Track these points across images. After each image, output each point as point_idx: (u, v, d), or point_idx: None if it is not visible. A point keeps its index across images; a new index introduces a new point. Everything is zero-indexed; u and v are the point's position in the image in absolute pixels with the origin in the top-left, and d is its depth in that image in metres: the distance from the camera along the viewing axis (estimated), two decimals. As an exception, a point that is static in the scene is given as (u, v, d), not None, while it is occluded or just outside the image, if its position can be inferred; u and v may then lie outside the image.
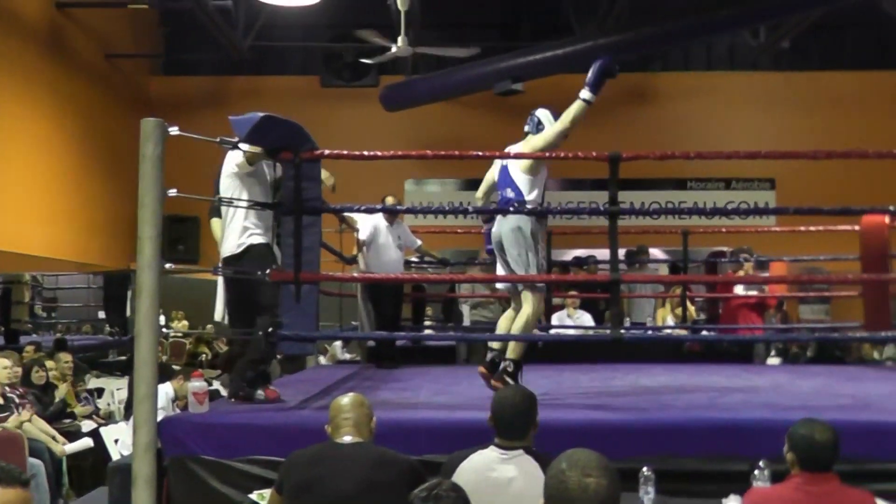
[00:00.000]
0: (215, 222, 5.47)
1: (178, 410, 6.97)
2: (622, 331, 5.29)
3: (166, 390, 7.36)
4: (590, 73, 4.92)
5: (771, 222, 12.42)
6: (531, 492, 3.01)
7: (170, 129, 4.09)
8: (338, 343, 10.78)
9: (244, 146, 4.82)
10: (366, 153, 5.34)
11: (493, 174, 5.44)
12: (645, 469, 3.46)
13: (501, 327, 5.36)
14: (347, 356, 10.56)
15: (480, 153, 5.30)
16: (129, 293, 12.86)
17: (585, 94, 4.91)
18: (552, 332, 8.43)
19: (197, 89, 13.79)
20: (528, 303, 5.07)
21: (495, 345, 5.27)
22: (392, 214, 7.69)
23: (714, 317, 10.27)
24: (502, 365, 5.11)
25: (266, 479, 3.91)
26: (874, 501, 3.18)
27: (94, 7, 11.58)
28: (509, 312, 5.36)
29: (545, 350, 7.37)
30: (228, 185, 4.97)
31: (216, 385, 8.40)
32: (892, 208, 5.46)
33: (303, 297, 4.71)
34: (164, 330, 12.06)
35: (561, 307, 9.01)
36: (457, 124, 13.41)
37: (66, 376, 8.04)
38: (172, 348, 12.89)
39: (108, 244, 11.82)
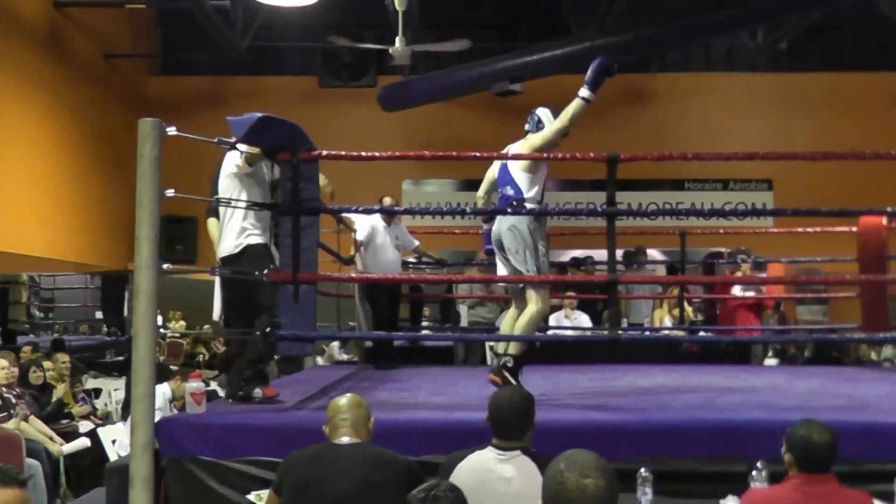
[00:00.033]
0: (212, 222, 5.47)
1: (175, 411, 6.96)
2: (620, 331, 5.29)
3: (164, 391, 7.35)
4: (589, 72, 4.92)
5: (768, 223, 12.43)
6: (529, 492, 3.01)
7: (168, 130, 4.09)
8: (335, 343, 10.78)
9: (242, 146, 4.82)
10: (364, 154, 5.34)
11: (493, 172, 5.45)
12: (643, 470, 3.46)
13: (505, 327, 5.37)
14: (345, 357, 10.56)
15: (478, 154, 5.30)
16: (127, 293, 12.86)
17: (584, 92, 4.91)
18: (550, 332, 8.43)
19: (195, 89, 13.79)
20: (533, 301, 5.07)
21: (501, 349, 5.25)
22: (390, 215, 7.69)
23: (711, 318, 10.27)
24: (502, 360, 5.12)
25: (264, 480, 3.90)
26: (872, 502, 3.18)
27: (92, 7, 11.58)
28: (512, 312, 5.36)
29: (543, 351, 7.36)
30: (227, 185, 4.97)
31: (213, 385, 8.40)
32: (889, 209, 5.45)
33: (301, 297, 4.70)
34: (161, 330, 12.06)
35: (559, 308, 9.01)
36: (455, 125, 13.41)
37: (64, 377, 8.03)
38: (170, 349, 12.88)
39: (106, 244, 11.81)
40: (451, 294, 10.02)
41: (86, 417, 7.82)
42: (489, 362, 9.06)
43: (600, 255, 7.51)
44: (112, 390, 9.47)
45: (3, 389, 6.76)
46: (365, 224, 7.60)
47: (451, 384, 6.24)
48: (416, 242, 8.20)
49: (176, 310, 14.50)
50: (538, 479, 2.83)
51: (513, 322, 5.26)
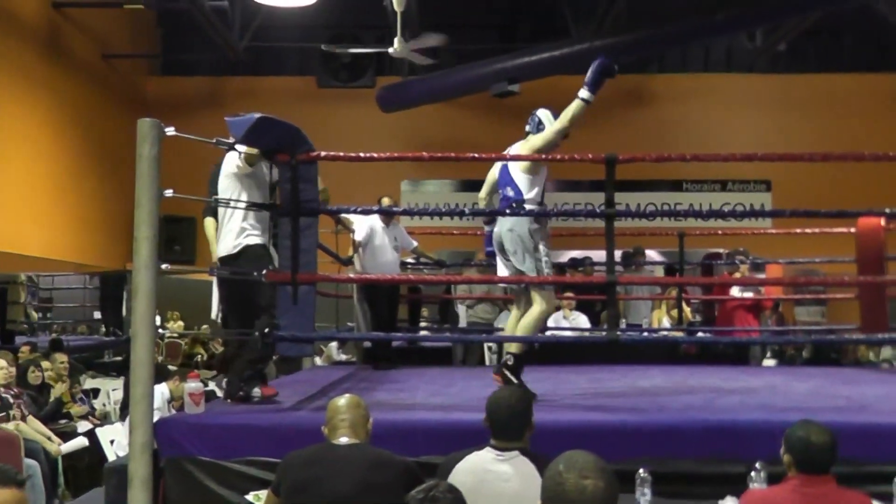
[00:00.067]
0: (209, 221, 5.47)
1: (174, 411, 6.96)
2: (618, 332, 5.29)
3: (162, 391, 7.35)
4: (589, 73, 4.92)
5: (767, 224, 12.44)
6: (527, 493, 3.01)
7: (166, 130, 4.09)
8: (334, 344, 10.78)
9: (242, 148, 4.82)
10: (362, 155, 5.33)
11: (494, 174, 5.45)
12: (641, 471, 3.46)
13: (508, 328, 5.38)
14: (343, 357, 10.56)
15: (477, 155, 5.30)
16: (126, 293, 12.86)
17: (584, 93, 4.91)
18: (548, 333, 8.42)
19: (193, 90, 13.79)
20: (538, 302, 5.07)
21: (511, 349, 5.24)
22: (388, 215, 7.69)
23: (710, 318, 10.28)
24: (504, 358, 5.11)
25: (263, 480, 3.90)
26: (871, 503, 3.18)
27: (90, 7, 11.57)
28: (515, 314, 5.36)
29: (541, 351, 7.36)
30: (227, 185, 4.97)
31: (212, 386, 8.40)
32: (888, 210, 5.45)
33: (300, 298, 4.70)
34: (160, 331, 12.06)
35: (557, 309, 9.01)
36: (453, 125, 13.42)
37: (62, 377, 8.02)
38: (168, 349, 12.87)
39: (105, 244, 11.80)
40: (449, 295, 10.02)
41: (84, 418, 7.82)
42: (488, 363, 9.09)
43: (599, 255, 7.51)
44: (110, 390, 9.46)
45: (2, 390, 6.75)
46: (363, 225, 7.59)
47: (449, 385, 6.23)
48: (415, 243, 8.20)
49: (174, 310, 14.51)
50: (537, 479, 2.83)
51: (516, 323, 5.26)
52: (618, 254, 6.15)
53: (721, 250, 11.29)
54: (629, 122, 13.22)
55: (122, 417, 7.55)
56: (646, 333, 9.34)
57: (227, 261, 4.99)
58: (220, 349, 11.93)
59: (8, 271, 13.15)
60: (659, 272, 11.43)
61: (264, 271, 4.75)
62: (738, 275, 9.18)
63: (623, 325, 9.13)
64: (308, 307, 4.81)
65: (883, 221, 7.24)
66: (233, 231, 4.96)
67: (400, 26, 10.18)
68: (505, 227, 5.13)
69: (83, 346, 12.79)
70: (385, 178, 11.79)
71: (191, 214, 11.46)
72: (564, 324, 8.88)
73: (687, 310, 9.52)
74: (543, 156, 5.10)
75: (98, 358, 12.62)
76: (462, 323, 9.78)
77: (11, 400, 6.76)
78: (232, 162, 4.95)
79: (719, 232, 10.68)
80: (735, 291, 9.26)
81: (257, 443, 4.15)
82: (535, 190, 5.14)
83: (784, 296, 10.72)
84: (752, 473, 3.54)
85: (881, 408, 4.98)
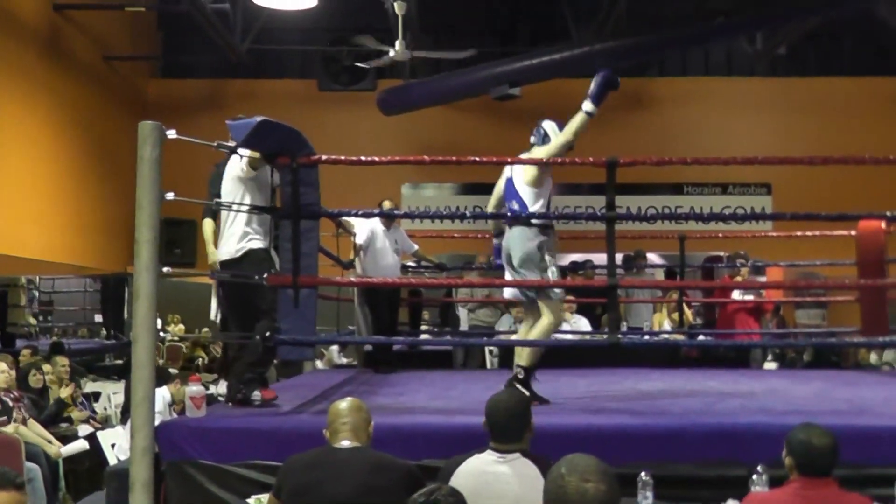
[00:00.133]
0: (208, 223, 5.48)
1: (175, 415, 6.95)
2: (619, 335, 5.29)
3: (163, 394, 7.33)
4: (592, 85, 4.94)
5: (768, 227, 12.43)
6: (529, 494, 3.01)
7: (168, 133, 4.09)
8: (335, 347, 10.77)
9: (245, 152, 4.82)
10: (363, 158, 5.33)
11: (500, 188, 5.43)
12: (643, 474, 3.46)
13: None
14: (344, 360, 10.55)
15: (477, 158, 5.30)
16: (126, 296, 12.86)
17: (588, 106, 4.92)
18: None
19: (194, 92, 13.80)
20: (546, 314, 5.07)
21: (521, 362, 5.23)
22: (389, 219, 7.70)
23: (711, 321, 10.27)
24: (514, 371, 5.11)
25: (264, 484, 3.90)
26: (872, 507, 3.18)
27: (91, 9, 11.58)
28: (525, 328, 5.36)
29: (542, 355, 7.34)
30: (231, 188, 4.97)
31: (213, 389, 8.39)
32: (888, 213, 5.46)
33: (301, 301, 4.70)
34: (161, 334, 12.06)
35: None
36: (454, 129, 13.42)
37: (63, 380, 8.01)
38: (169, 352, 12.88)
39: (105, 247, 11.81)
40: (450, 298, 10.02)
41: (85, 421, 7.81)
42: (489, 366, 9.09)
43: (600, 258, 7.50)
44: (111, 394, 9.46)
45: (2, 393, 6.75)
46: (364, 228, 7.60)
47: (450, 388, 6.24)
48: (416, 246, 8.20)
49: (175, 313, 14.52)
50: (538, 480, 2.84)
51: (525, 336, 5.27)
52: (619, 257, 6.16)
53: (722, 253, 11.27)
54: (630, 125, 13.21)
55: (123, 421, 7.54)
56: (647, 337, 9.34)
57: (229, 264, 4.99)
58: (219, 353, 11.94)
59: (8, 274, 13.15)
60: (660, 275, 11.41)
61: (265, 275, 4.75)
62: (738, 278, 9.18)
63: (624, 329, 9.13)
64: (309, 310, 4.81)
65: (883, 224, 7.24)
66: (236, 235, 4.96)
67: (401, 30, 10.20)
68: (512, 241, 5.13)
69: (84, 350, 12.81)
70: (386, 182, 11.80)
71: (191, 217, 11.42)
72: (565, 327, 8.87)
73: (688, 312, 9.52)
74: (545, 159, 5.10)
75: (99, 361, 12.64)
76: (463, 326, 9.78)
77: (11, 403, 6.75)
78: (236, 165, 4.95)
79: (720, 235, 10.64)
80: (736, 294, 9.26)
81: (258, 446, 4.14)
82: (540, 203, 5.14)
83: (785, 298, 10.71)
84: (754, 476, 3.54)
85: (881, 411, 4.97)
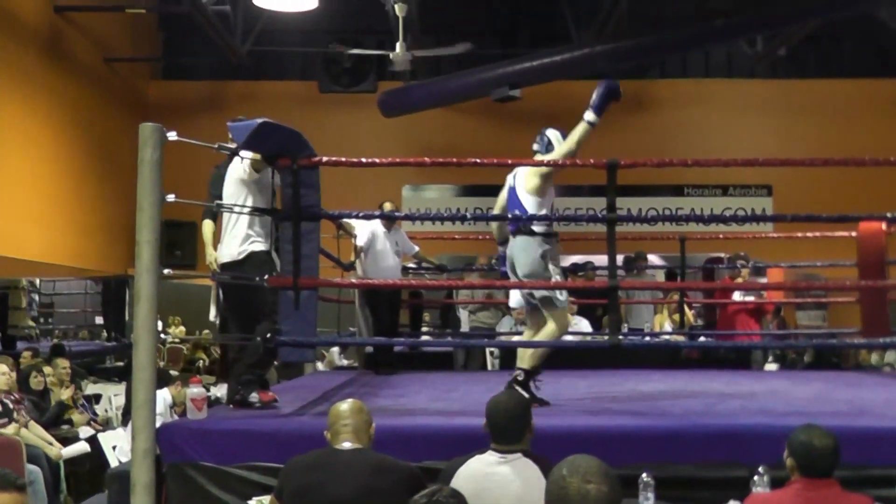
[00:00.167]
0: (207, 224, 5.48)
1: (176, 416, 6.95)
2: (620, 337, 5.29)
3: (164, 396, 7.33)
4: (595, 95, 4.95)
5: (768, 228, 12.42)
6: (530, 495, 3.02)
7: (168, 135, 4.09)
8: (335, 349, 10.77)
9: (246, 153, 4.83)
10: (364, 160, 5.33)
11: (503, 197, 5.42)
12: (644, 475, 3.46)
13: (521, 350, 5.37)
14: (345, 362, 10.55)
15: (478, 160, 5.30)
16: (127, 298, 12.86)
17: (590, 116, 4.93)
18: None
19: (195, 94, 13.80)
20: (551, 322, 5.08)
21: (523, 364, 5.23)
22: (390, 220, 7.69)
23: (712, 322, 10.27)
24: (513, 374, 5.12)
25: (265, 486, 3.90)
26: (873, 507, 3.18)
27: (92, 11, 11.59)
28: (528, 334, 5.36)
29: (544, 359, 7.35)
30: (234, 191, 4.98)
31: (213, 391, 8.39)
32: (889, 215, 5.46)
33: (302, 303, 4.70)
34: (161, 335, 12.06)
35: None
36: (454, 130, 13.42)
37: (64, 382, 8.01)
38: (170, 354, 12.88)
39: (106, 249, 11.80)
40: (451, 299, 10.02)
41: (86, 423, 7.81)
42: (490, 368, 9.09)
43: (600, 260, 7.50)
44: (112, 396, 9.44)
45: (2, 395, 6.75)
46: (365, 230, 7.60)
47: (451, 390, 6.23)
48: (416, 248, 8.21)
49: (175, 315, 14.51)
50: (540, 480, 2.84)
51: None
52: (619, 258, 6.16)
53: (722, 254, 11.27)
54: (630, 127, 13.19)
55: (124, 423, 7.55)
56: (648, 338, 9.34)
57: (231, 266, 5.00)
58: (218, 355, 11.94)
59: (8, 276, 13.15)
60: (660, 276, 11.41)
61: (266, 277, 4.75)
62: (739, 279, 9.18)
63: (625, 330, 9.13)
64: (310, 312, 4.80)
65: (884, 226, 7.24)
66: (238, 237, 4.97)
67: (402, 31, 10.21)
68: (516, 249, 5.13)
69: (85, 352, 12.80)
70: (386, 183, 11.80)
71: (192, 219, 11.44)
72: (566, 328, 8.87)
73: (689, 314, 9.52)
74: (545, 161, 5.11)
75: (100, 363, 12.63)
76: (464, 328, 9.77)
77: (12, 405, 6.75)
78: (239, 168, 4.96)
79: (720, 236, 10.65)
80: (737, 296, 9.26)
81: (259, 448, 4.15)
82: (543, 211, 5.14)
83: (785, 300, 10.71)
84: (755, 477, 3.54)
85: (882, 412, 4.98)
